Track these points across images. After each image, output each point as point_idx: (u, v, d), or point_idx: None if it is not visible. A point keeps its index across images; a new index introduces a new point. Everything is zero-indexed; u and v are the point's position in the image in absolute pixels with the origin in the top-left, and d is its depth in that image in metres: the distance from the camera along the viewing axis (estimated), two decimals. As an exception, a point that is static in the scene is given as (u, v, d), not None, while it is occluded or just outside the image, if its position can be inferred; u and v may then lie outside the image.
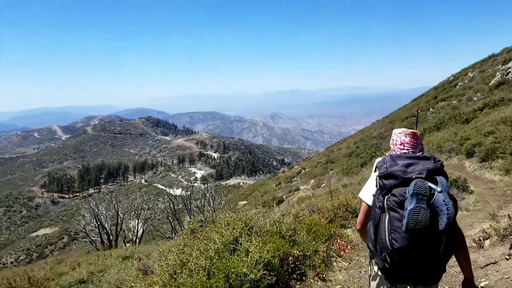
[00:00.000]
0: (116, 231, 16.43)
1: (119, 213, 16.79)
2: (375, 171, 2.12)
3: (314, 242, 4.45)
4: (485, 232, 4.13)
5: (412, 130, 2.14)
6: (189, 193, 16.41)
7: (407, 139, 2.11)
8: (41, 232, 68.78)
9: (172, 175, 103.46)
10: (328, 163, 28.90)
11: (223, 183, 79.71)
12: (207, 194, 16.73)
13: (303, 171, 33.47)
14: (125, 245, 15.55)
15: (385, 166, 1.94)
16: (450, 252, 1.83)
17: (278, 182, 35.71)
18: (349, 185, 12.34)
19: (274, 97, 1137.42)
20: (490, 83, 22.26)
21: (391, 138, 2.22)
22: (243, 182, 73.98)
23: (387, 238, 1.80)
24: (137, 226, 16.11)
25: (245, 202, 34.25)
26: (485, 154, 8.90)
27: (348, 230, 5.25)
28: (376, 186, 1.98)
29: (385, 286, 2.18)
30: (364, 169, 17.21)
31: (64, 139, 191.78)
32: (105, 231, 16.18)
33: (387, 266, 1.86)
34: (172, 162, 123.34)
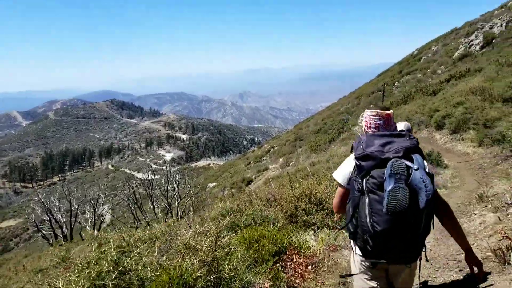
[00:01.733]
0: (70, 223, 15.06)
1: (73, 204, 15.37)
2: (351, 151, 2.03)
3: (252, 275, 2.83)
4: (505, 235, 2.82)
5: (386, 112, 2.02)
6: (150, 178, 15.32)
7: (382, 122, 2.01)
8: (4, 224, 65.47)
9: (140, 158, 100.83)
10: (296, 140, 28.60)
11: (193, 165, 78.43)
12: (171, 179, 15.76)
13: (272, 149, 33.03)
14: (82, 238, 14.35)
15: (361, 146, 1.86)
16: (428, 228, 1.80)
17: (248, 162, 35.17)
18: (317, 163, 11.81)
19: (243, 76, 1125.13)
20: (454, 56, 22.42)
21: (364, 120, 2.09)
22: (213, 163, 72.94)
23: (368, 221, 1.76)
24: (94, 217, 14.83)
25: (214, 183, 33.50)
26: (456, 125, 8.53)
27: (310, 233, 4.07)
28: (354, 168, 1.95)
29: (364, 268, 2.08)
30: (332, 146, 16.82)
31: (24, 125, 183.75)
32: (58, 224, 14.77)
33: (369, 248, 1.83)
34: (140, 146, 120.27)
